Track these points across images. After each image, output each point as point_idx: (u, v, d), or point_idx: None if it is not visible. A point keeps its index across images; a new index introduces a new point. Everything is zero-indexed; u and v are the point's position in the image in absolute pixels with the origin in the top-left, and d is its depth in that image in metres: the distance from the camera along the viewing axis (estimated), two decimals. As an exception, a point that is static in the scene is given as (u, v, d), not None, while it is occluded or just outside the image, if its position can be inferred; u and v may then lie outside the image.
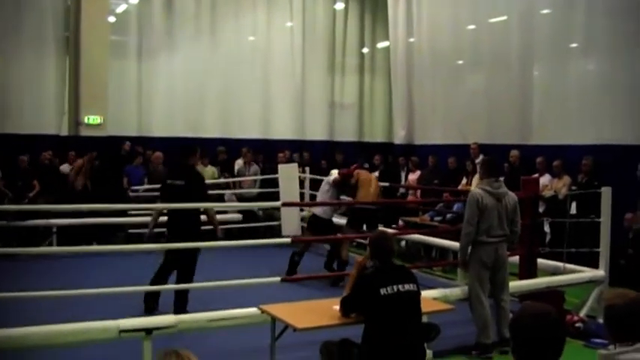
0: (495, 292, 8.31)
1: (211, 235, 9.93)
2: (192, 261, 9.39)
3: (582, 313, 9.16)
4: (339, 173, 12.52)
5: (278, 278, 8.67)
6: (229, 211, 15.51)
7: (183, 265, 9.36)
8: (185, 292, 9.20)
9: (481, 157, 15.08)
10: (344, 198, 12.64)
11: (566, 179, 13.39)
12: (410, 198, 16.48)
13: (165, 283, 9.46)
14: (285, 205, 12.18)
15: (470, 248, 8.22)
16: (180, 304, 9.03)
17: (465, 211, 8.30)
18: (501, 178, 8.59)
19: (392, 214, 15.34)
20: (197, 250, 9.37)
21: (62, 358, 7.16)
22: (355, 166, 13.10)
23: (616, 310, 3.51)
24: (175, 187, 9.54)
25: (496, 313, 8.26)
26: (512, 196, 8.40)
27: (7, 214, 13.01)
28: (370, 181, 12.48)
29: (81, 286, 8.60)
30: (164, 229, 9.87)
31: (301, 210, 15.07)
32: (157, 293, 9.46)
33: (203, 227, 9.78)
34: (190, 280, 9.28)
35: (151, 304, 9.40)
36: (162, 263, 9.55)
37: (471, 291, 8.20)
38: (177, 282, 9.32)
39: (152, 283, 9.37)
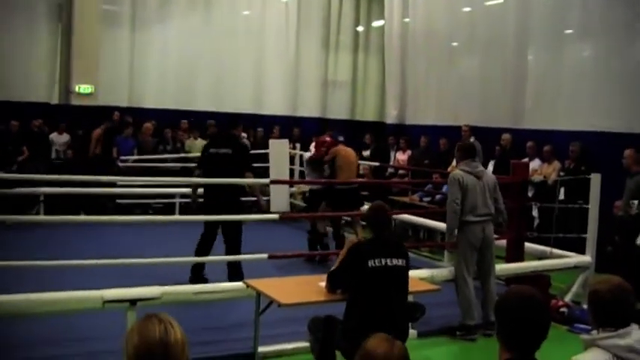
0: (481, 275, 8.34)
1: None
2: (238, 231, 9.43)
3: (567, 299, 9.19)
4: (315, 146, 12.37)
5: (265, 255, 8.64)
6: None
7: (230, 237, 9.37)
8: (237, 263, 9.14)
9: (472, 139, 15.11)
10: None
11: (556, 164, 13.42)
12: (395, 179, 16.45)
13: (208, 253, 9.43)
14: (273, 182, 12.16)
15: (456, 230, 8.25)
16: (235, 276, 8.92)
17: (448, 191, 8.42)
18: (477, 159, 8.64)
19: (381, 194, 15.33)
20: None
21: (46, 326, 7.14)
22: (329, 141, 12.50)
23: (600, 296, 3.51)
24: (220, 155, 9.58)
25: (482, 295, 8.29)
26: (490, 175, 8.63)
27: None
28: (350, 161, 11.99)
29: (68, 256, 8.58)
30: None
31: (290, 186, 15.08)
32: (202, 264, 9.46)
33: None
34: (239, 251, 9.29)
35: (197, 275, 9.37)
36: (204, 233, 9.52)
37: (456, 272, 8.23)
38: (227, 254, 9.31)
39: (197, 254, 9.37)
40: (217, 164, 9.49)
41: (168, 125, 17.02)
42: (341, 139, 12.29)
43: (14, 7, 16.44)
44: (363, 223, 10.32)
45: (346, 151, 12.03)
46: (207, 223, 9.53)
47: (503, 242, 10.08)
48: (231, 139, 9.83)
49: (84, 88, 16.50)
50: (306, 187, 15.41)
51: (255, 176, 10.90)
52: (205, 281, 9.00)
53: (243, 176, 9.54)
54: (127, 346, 2.44)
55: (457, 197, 8.08)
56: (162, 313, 2.52)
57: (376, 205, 6.36)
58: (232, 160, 9.48)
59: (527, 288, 3.24)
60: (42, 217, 12.98)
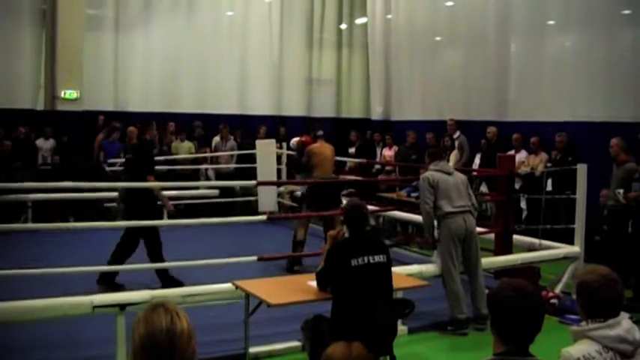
0: (468, 268, 8.36)
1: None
2: (152, 237, 9.36)
3: (557, 290, 9.22)
4: (296, 147, 12.36)
5: (254, 257, 8.63)
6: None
7: (147, 244, 9.36)
8: (163, 270, 9.21)
9: (458, 133, 15.15)
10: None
11: (543, 156, 13.47)
12: (382, 175, 16.46)
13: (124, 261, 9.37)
14: (260, 184, 12.15)
15: (436, 225, 8.31)
16: (164, 280, 9.06)
17: (419, 193, 8.59)
18: (445, 160, 8.94)
19: (368, 191, 15.35)
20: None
21: (36, 334, 7.14)
22: (305, 140, 12.27)
23: (588, 287, 3.51)
24: (126, 160, 9.88)
25: (470, 288, 8.31)
26: (460, 174, 8.70)
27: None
28: (325, 156, 11.53)
29: (57, 262, 8.57)
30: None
31: (278, 186, 15.08)
32: (114, 272, 9.40)
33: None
34: (160, 257, 9.30)
35: (109, 282, 9.28)
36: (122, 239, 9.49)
37: (442, 266, 8.25)
38: (149, 257, 9.31)
39: (113, 259, 9.29)
40: (124, 170, 9.78)
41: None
42: (320, 133, 11.95)
43: (-3, 13, 16.39)
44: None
45: (321, 147, 11.63)
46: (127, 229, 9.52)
47: (491, 235, 10.12)
48: (136, 145, 9.82)
49: (69, 93, 16.44)
50: (294, 187, 15.45)
51: (245, 177, 10.94)
52: (119, 287, 9.04)
53: (145, 180, 9.43)
54: (133, 335, 2.45)
55: (427, 197, 8.21)
56: (169, 303, 2.54)
57: (352, 202, 6.37)
58: (133, 165, 9.53)
59: (521, 281, 3.25)
60: (30, 225, 12.94)
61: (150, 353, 2.40)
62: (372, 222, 14.24)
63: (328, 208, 10.49)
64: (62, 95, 16.42)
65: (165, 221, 9.44)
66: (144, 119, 16.48)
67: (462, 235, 8.20)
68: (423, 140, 16.13)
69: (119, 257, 9.33)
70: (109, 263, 9.21)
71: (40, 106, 16.97)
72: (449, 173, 8.40)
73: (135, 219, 9.22)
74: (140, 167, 9.55)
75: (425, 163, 8.92)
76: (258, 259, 8.65)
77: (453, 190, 8.24)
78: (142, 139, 10.07)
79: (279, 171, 15.88)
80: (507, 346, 3.10)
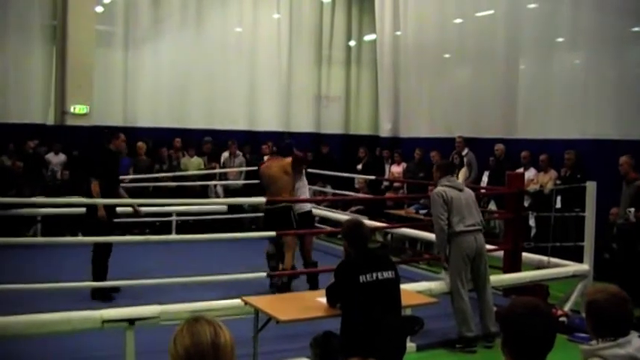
0: (477, 286, 8.35)
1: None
2: (97, 250, 9.67)
3: (566, 308, 9.19)
4: None
5: (263, 274, 8.63)
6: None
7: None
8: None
9: (466, 150, 15.14)
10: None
11: (552, 173, 13.46)
12: (390, 192, 16.44)
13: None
14: (268, 201, 12.14)
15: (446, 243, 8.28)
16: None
17: (432, 209, 8.46)
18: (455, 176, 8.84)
19: (376, 208, 15.36)
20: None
21: (45, 348, 7.14)
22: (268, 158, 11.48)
23: (598, 306, 3.50)
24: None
25: (479, 306, 8.29)
26: (469, 190, 8.65)
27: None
28: (270, 176, 10.45)
29: (66, 276, 8.59)
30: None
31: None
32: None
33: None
34: (99, 272, 9.53)
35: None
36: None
37: (451, 284, 8.22)
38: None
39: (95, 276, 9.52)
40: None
41: (163, 144, 17.02)
42: (286, 143, 11.57)
43: (8, 29, 16.49)
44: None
45: (267, 167, 10.79)
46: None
47: (500, 253, 10.10)
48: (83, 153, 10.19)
49: (79, 108, 16.49)
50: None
51: (254, 194, 10.80)
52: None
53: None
54: (176, 347, 2.46)
55: (442, 213, 8.13)
56: (209, 316, 2.55)
57: (352, 222, 6.36)
58: (78, 172, 9.82)
59: (532, 299, 3.24)
60: (39, 239, 12.99)
61: None
62: (380, 239, 14.23)
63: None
64: (72, 110, 16.47)
65: (175, 236, 9.46)
66: (153, 135, 16.73)
67: (472, 254, 8.18)
68: (431, 157, 16.13)
69: (100, 270, 9.53)
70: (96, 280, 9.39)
71: (51, 121, 17.05)
72: (460, 189, 8.38)
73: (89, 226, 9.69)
74: (87, 173, 9.87)
75: (435, 178, 8.82)
76: (267, 276, 8.65)
77: (465, 208, 8.21)
78: (104, 148, 10.24)
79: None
80: None
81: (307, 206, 10.76)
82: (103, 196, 9.64)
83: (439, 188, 8.32)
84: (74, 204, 12.37)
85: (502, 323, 3.18)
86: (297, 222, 10.15)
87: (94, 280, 9.36)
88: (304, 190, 10.76)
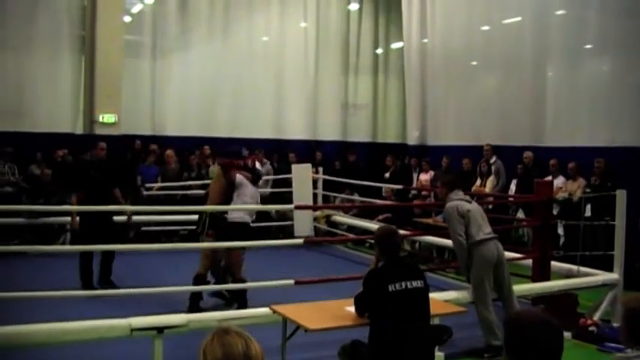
0: (502, 294, 8.27)
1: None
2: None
3: (596, 317, 9.10)
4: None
5: (292, 281, 8.61)
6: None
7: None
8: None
9: (494, 158, 15.06)
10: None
11: (581, 181, 13.35)
12: (418, 201, 16.38)
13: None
14: (298, 207, 12.11)
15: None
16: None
17: (449, 225, 8.34)
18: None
19: (404, 216, 15.32)
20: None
21: (74, 356, 7.18)
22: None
23: (636, 314, 3.46)
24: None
25: (505, 314, 8.23)
26: (476, 204, 8.59)
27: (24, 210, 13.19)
28: (211, 190, 10.30)
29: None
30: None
31: (314, 210, 15.10)
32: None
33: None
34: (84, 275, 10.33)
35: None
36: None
37: (475, 294, 8.15)
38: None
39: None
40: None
41: (191, 152, 17.08)
42: (232, 150, 10.92)
43: (38, 39, 16.65)
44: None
45: (213, 180, 10.66)
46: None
47: (528, 262, 10.03)
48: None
49: (107, 117, 16.61)
50: (330, 211, 15.46)
51: (281, 202, 10.79)
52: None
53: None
54: (206, 358, 2.44)
55: (459, 228, 8.09)
56: (237, 327, 2.55)
57: (386, 229, 6.33)
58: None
59: (539, 311, 3.15)
60: (67, 247, 13.07)
61: None
62: (408, 247, 14.19)
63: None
64: (100, 119, 16.58)
65: (204, 244, 9.44)
66: (181, 144, 16.83)
67: (494, 262, 8.12)
68: (459, 165, 16.07)
69: (86, 274, 10.36)
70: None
71: (79, 130, 17.18)
72: (469, 202, 8.36)
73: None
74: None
75: (441, 194, 8.64)
76: (295, 283, 8.63)
77: (479, 218, 8.18)
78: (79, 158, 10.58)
79: (315, 195, 15.90)
80: None
81: (238, 217, 9.73)
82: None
83: (452, 202, 8.25)
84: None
85: (507, 331, 3.04)
86: (225, 232, 9.61)
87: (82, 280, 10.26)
88: (240, 199, 9.81)
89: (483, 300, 8.04)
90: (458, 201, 8.22)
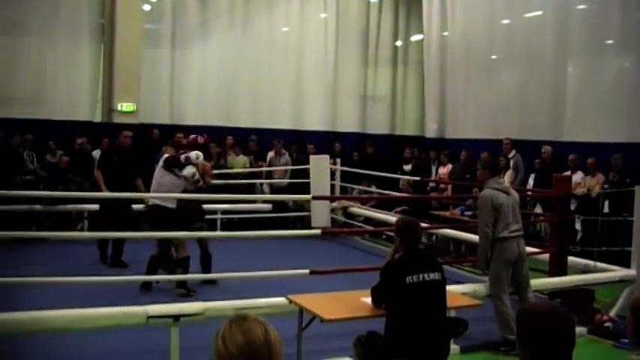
0: (519, 289, 8.23)
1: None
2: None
3: (612, 313, 9.07)
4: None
5: (307, 270, 8.62)
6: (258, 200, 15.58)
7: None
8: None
9: (513, 152, 15.03)
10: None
11: (600, 177, 13.30)
12: (435, 193, 16.36)
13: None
14: (315, 198, 12.11)
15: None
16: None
17: (479, 213, 8.26)
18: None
19: (422, 208, 15.30)
20: None
21: (90, 342, 7.25)
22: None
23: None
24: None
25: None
26: (515, 193, 8.42)
27: (42, 198, 13.27)
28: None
29: (110, 271, 8.70)
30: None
31: (331, 201, 15.11)
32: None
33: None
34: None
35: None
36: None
37: (492, 289, 8.13)
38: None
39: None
40: None
41: (211, 142, 17.03)
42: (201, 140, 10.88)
43: (58, 27, 16.68)
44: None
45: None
46: None
47: (545, 256, 10.00)
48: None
49: (126, 106, 16.63)
50: (347, 203, 15.47)
51: (299, 193, 10.87)
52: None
53: None
54: (226, 346, 2.43)
55: (489, 220, 7.97)
56: (253, 314, 2.55)
57: (408, 220, 6.30)
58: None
59: (551, 302, 3.14)
60: (85, 234, 13.16)
61: None
62: (425, 240, 14.18)
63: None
64: (119, 108, 16.62)
65: (220, 233, 9.50)
66: (199, 133, 16.83)
67: (514, 260, 8.08)
68: (477, 159, 16.01)
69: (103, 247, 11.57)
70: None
71: (98, 119, 17.23)
72: (507, 193, 8.16)
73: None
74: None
75: (480, 176, 8.54)
76: (311, 273, 8.64)
77: (510, 213, 8.04)
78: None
79: (332, 187, 15.91)
80: None
81: (158, 201, 9.83)
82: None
83: (489, 192, 8.09)
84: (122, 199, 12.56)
85: (518, 322, 3.04)
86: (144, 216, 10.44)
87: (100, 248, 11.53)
88: (165, 186, 9.90)
89: (500, 294, 8.02)
90: (495, 191, 8.05)
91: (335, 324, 6.08)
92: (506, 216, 8.00)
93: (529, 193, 13.86)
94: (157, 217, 9.82)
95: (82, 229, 13.97)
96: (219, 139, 17.15)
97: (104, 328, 6.69)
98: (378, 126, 21.18)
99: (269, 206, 15.44)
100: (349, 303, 6.34)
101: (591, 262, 9.89)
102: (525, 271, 8.25)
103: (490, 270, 8.18)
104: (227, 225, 15.07)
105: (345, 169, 16.73)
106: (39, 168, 14.84)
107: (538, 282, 8.72)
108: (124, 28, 16.75)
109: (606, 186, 12.75)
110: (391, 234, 12.06)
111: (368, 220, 15.58)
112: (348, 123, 20.54)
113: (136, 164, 12.05)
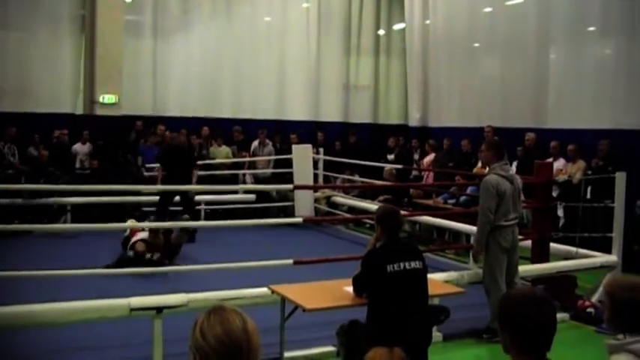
0: (507, 277, 8.19)
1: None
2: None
3: (594, 299, 9.12)
4: None
5: (290, 260, 8.62)
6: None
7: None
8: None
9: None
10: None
11: (581, 164, 13.33)
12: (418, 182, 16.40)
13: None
14: (296, 187, 12.12)
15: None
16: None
17: (481, 198, 8.08)
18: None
19: (405, 197, 15.35)
20: None
21: (74, 335, 7.23)
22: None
23: (620, 300, 3.44)
24: None
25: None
26: (518, 178, 8.31)
27: (23, 191, 13.20)
28: None
29: (94, 264, 8.68)
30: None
31: (315, 191, 15.12)
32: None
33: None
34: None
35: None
36: None
37: (487, 275, 8.07)
38: None
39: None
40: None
41: (192, 133, 17.03)
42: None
43: (38, 18, 16.59)
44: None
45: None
46: None
47: (527, 243, 10.03)
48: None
49: (108, 97, 16.57)
50: (330, 192, 15.48)
51: (282, 182, 11.04)
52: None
53: None
54: (205, 337, 2.41)
55: (491, 206, 7.84)
56: (229, 305, 2.55)
57: (388, 208, 6.29)
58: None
59: (530, 287, 3.15)
60: (68, 226, 13.12)
61: (230, 351, 2.42)
62: (408, 228, 14.21)
63: None
64: (101, 100, 16.55)
65: (202, 222, 9.49)
66: (182, 124, 16.82)
67: (509, 248, 8.05)
68: (460, 147, 16.07)
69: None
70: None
71: (80, 111, 17.15)
72: (512, 182, 8.00)
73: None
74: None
75: (485, 157, 8.49)
76: (294, 263, 8.65)
77: (511, 201, 7.93)
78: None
79: (315, 176, 15.91)
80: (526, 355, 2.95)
81: None
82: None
83: (494, 177, 7.94)
84: (104, 192, 12.54)
85: (500, 307, 3.02)
86: None
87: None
88: None
89: (495, 283, 7.96)
90: (501, 178, 7.91)
91: (317, 313, 6.10)
92: (507, 205, 7.91)
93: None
94: None
95: (65, 222, 13.89)
96: (201, 131, 17.16)
97: (88, 321, 6.68)
98: (361, 115, 21.18)
99: (252, 197, 15.40)
100: (331, 292, 6.35)
101: (573, 249, 9.94)
102: (516, 258, 8.24)
103: (486, 257, 8.11)
104: (211, 216, 15.04)
105: (328, 158, 16.73)
106: (18, 163, 14.68)
107: (521, 268, 8.72)
108: (105, 19, 16.67)
109: (589, 172, 12.78)
110: (373, 222, 12.07)
111: (351, 210, 15.60)
112: (331, 112, 20.53)
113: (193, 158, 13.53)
